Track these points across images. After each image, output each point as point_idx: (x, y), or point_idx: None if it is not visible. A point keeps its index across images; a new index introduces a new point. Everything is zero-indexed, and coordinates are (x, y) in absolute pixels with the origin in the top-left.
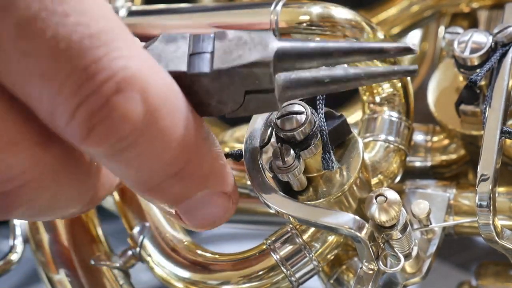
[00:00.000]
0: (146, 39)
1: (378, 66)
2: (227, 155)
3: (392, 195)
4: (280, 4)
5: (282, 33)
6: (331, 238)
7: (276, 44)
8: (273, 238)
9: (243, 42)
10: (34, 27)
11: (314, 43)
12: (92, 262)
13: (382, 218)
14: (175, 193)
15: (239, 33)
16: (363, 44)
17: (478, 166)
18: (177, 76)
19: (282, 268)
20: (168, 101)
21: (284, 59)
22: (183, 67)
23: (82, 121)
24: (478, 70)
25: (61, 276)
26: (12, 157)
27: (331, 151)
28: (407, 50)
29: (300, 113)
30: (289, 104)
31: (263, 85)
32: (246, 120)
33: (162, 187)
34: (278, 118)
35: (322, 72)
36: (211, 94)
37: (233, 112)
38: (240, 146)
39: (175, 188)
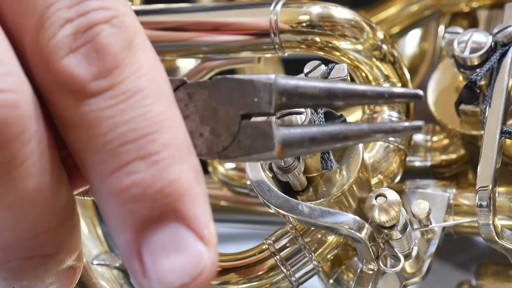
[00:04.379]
0: None
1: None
2: None
3: (392, 195)
4: (280, 4)
5: (281, 33)
6: (331, 238)
7: (278, 76)
8: (273, 238)
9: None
10: None
11: (317, 81)
12: (92, 262)
13: (382, 218)
14: (142, 196)
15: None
16: (370, 86)
17: (478, 166)
18: (175, 88)
19: (282, 268)
20: (156, 72)
21: (285, 86)
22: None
23: (65, 36)
24: (478, 70)
25: None
26: None
27: (330, 151)
28: (416, 97)
29: (300, 113)
30: None
31: (262, 104)
32: None
33: (131, 170)
34: (278, 118)
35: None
36: (205, 119)
37: (225, 151)
38: None
39: (144, 181)
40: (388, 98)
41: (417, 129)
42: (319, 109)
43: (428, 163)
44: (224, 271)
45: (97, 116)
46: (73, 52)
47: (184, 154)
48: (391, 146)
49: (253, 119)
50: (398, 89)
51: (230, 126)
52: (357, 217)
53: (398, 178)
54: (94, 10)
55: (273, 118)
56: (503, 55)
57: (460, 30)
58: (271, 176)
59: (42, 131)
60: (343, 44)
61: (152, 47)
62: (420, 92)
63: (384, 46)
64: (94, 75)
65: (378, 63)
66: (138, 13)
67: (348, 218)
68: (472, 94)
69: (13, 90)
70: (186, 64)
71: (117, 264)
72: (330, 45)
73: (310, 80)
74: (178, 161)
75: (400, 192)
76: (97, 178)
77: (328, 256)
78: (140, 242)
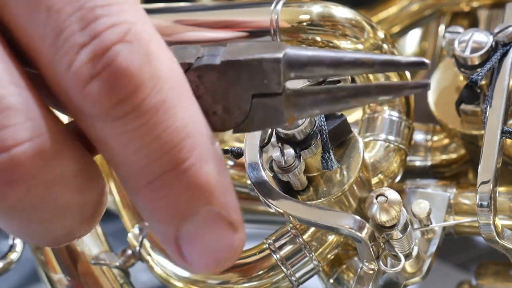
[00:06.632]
0: None
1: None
2: (227, 152)
3: (393, 195)
4: (281, 3)
5: (282, 32)
6: (331, 238)
7: (287, 47)
8: (273, 238)
9: (254, 46)
10: None
11: (325, 52)
12: (92, 262)
13: (383, 218)
14: (176, 199)
15: (251, 42)
16: (375, 55)
17: (479, 166)
18: (185, 71)
19: (282, 267)
20: (174, 77)
21: (294, 61)
22: (190, 60)
23: (84, 64)
24: (478, 70)
25: (61, 276)
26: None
27: (331, 151)
28: (420, 64)
29: None
30: None
31: (271, 85)
32: None
33: (163, 182)
34: None
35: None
36: (217, 98)
37: (239, 127)
38: (240, 146)
39: (176, 189)
40: (396, 67)
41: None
42: None
43: (429, 163)
44: (224, 271)
45: (125, 137)
46: (93, 79)
47: (210, 151)
48: (392, 145)
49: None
50: (405, 58)
51: (241, 104)
52: (357, 217)
53: (398, 178)
54: (106, 29)
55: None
56: (504, 55)
57: (460, 29)
58: (272, 175)
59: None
60: (344, 44)
61: (161, 38)
62: (426, 60)
63: (385, 46)
64: (117, 100)
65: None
66: None
67: (348, 218)
68: (472, 94)
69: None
70: None
71: (117, 264)
72: (330, 44)
73: (318, 51)
74: (205, 161)
75: (400, 191)
76: (132, 190)
77: (329, 255)
78: (178, 233)
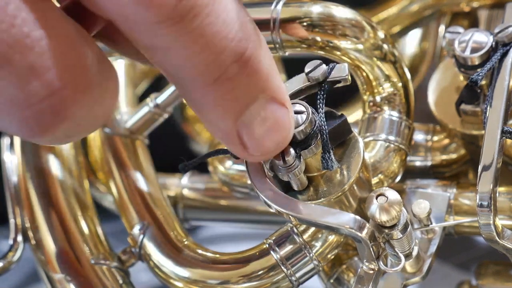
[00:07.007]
0: None
1: None
2: (227, 152)
3: (393, 195)
4: (281, 3)
5: (282, 32)
6: (332, 238)
7: None
8: (273, 238)
9: None
10: None
11: None
12: (92, 262)
13: (383, 218)
14: (239, 91)
15: None
16: None
17: (479, 166)
18: None
19: (282, 267)
20: None
21: None
22: None
23: None
24: (478, 70)
25: (61, 276)
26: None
27: (331, 151)
28: None
29: (301, 112)
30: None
31: None
32: None
33: (228, 75)
34: None
35: None
36: None
37: None
38: None
39: (239, 80)
40: None
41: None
42: (320, 109)
43: (429, 163)
44: (224, 271)
45: (189, 37)
46: None
47: (261, 40)
48: (392, 145)
49: None
50: None
51: None
52: (357, 217)
53: (398, 178)
54: None
55: None
56: (504, 55)
57: (461, 30)
58: (272, 175)
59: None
60: (344, 44)
61: None
62: None
63: (385, 46)
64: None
65: (378, 62)
66: None
67: (348, 218)
68: (472, 94)
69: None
70: None
71: (117, 264)
72: (330, 44)
73: None
74: (259, 49)
75: (400, 191)
76: (197, 91)
77: (329, 255)
78: (238, 124)
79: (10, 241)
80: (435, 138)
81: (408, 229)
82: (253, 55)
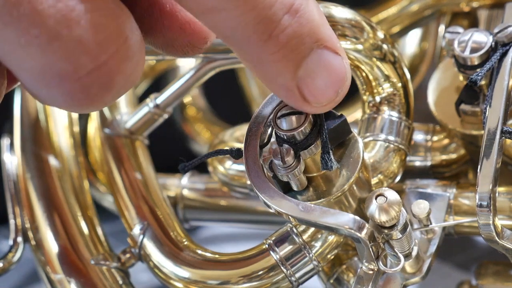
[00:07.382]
0: None
1: None
2: (227, 152)
3: (392, 195)
4: None
5: None
6: (331, 238)
7: None
8: (273, 238)
9: None
10: None
11: None
12: (92, 262)
13: (382, 218)
14: (295, 43)
15: None
16: None
17: (478, 166)
18: None
19: (282, 268)
20: None
21: None
22: None
23: None
24: (478, 70)
25: (61, 276)
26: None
27: (330, 151)
28: None
29: (300, 112)
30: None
31: None
32: (246, 119)
33: (282, 28)
34: (278, 118)
35: None
36: None
37: None
38: (240, 146)
39: (293, 32)
40: None
41: None
42: None
43: (428, 163)
44: (224, 271)
45: None
46: None
47: None
48: (391, 146)
49: None
50: None
51: None
52: (357, 217)
53: (398, 178)
54: None
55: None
56: (504, 55)
57: (460, 29)
58: (271, 176)
59: None
60: (343, 44)
61: None
62: None
63: (385, 46)
64: None
65: (378, 62)
66: None
67: (348, 218)
68: (472, 94)
69: None
70: (186, 64)
71: (117, 264)
72: None
73: None
74: (307, 1)
75: (400, 192)
76: (253, 48)
77: (328, 256)
78: (297, 77)
79: (10, 242)
80: (435, 138)
81: (408, 229)
82: (302, 4)
